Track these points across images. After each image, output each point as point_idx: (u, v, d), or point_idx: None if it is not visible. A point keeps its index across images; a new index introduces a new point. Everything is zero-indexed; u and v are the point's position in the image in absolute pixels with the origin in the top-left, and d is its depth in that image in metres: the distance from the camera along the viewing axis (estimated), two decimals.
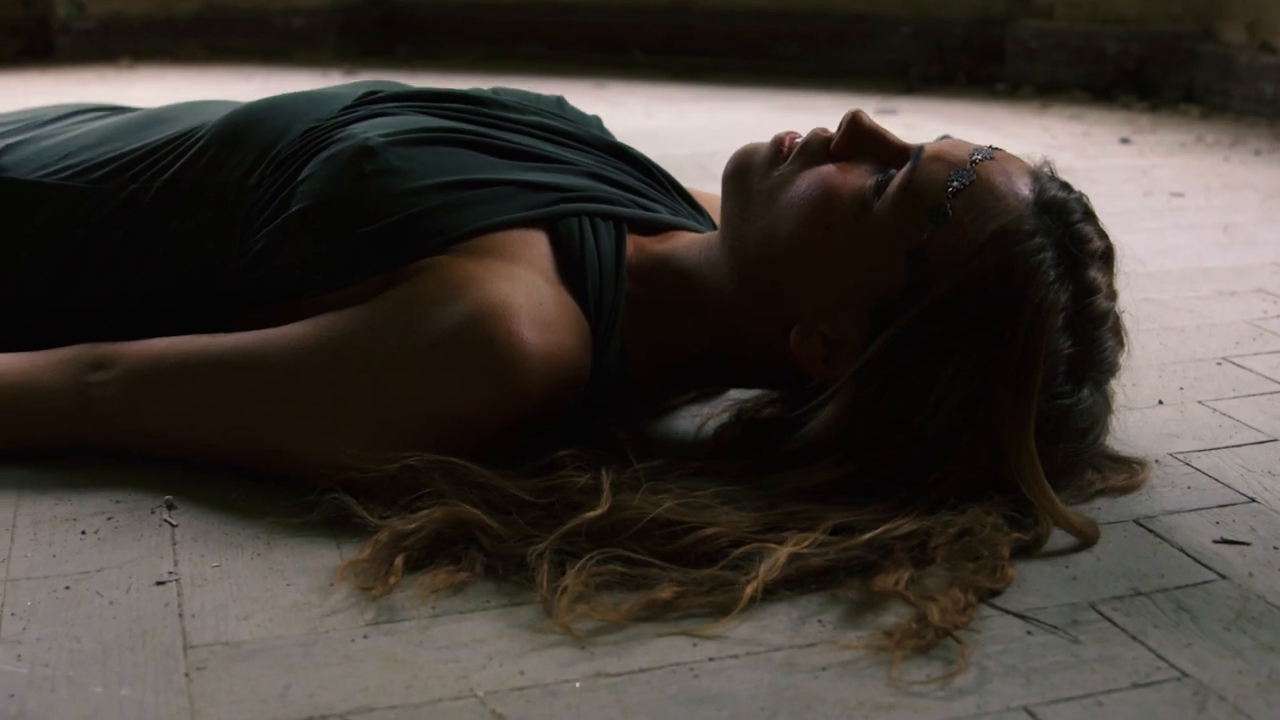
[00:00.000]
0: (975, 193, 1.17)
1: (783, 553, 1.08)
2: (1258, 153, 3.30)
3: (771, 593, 1.07)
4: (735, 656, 1.00)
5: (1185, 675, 0.98)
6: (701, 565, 1.09)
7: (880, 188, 1.20)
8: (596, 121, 1.57)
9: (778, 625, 1.05)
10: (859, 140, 1.24)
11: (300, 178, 1.32)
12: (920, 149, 1.21)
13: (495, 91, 1.52)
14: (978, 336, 1.15)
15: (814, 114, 3.38)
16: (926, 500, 1.15)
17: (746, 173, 1.28)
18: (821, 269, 1.21)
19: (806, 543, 1.10)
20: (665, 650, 1.01)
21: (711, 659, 1.00)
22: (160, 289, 1.37)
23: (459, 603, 1.07)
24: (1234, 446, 1.42)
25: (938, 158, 1.20)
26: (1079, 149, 3.30)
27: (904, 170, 1.19)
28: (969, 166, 1.18)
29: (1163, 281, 2.06)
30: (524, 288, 1.23)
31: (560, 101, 1.56)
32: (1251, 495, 1.29)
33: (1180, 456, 1.39)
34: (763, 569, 1.07)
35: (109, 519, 1.20)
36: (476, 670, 0.98)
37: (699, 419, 1.41)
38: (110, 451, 1.29)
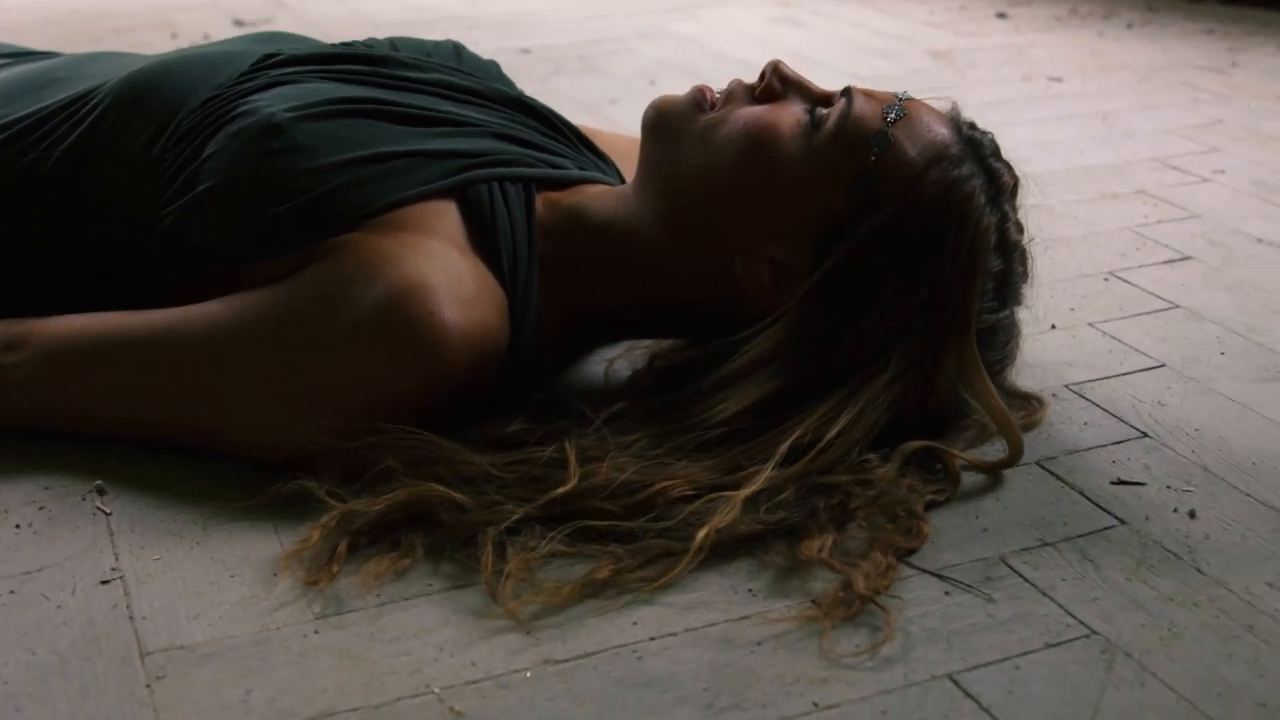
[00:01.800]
0: (910, 124, 1.27)
1: (738, 498, 1.14)
2: (1130, 25, 3.37)
3: (718, 549, 1.12)
4: (674, 634, 1.05)
5: (1094, 632, 1.06)
6: (663, 521, 1.13)
7: (816, 122, 1.27)
8: (495, 68, 1.58)
9: (711, 597, 1.10)
10: (784, 86, 1.32)
11: (205, 154, 1.31)
12: (850, 88, 1.30)
13: (393, 45, 1.52)
14: (923, 253, 1.24)
15: None
16: (861, 398, 1.23)
17: (672, 118, 1.32)
18: (765, 200, 1.27)
19: (760, 480, 1.15)
20: (608, 631, 1.06)
21: (652, 638, 1.05)
22: (81, 251, 1.37)
23: (402, 588, 1.10)
24: (1125, 375, 1.49)
25: (867, 96, 1.29)
26: (956, 26, 3.33)
27: (841, 104, 1.28)
28: (898, 103, 1.28)
29: (1046, 184, 2.11)
30: (440, 264, 1.24)
31: (457, 50, 1.56)
32: (1144, 429, 1.37)
33: (1075, 388, 1.45)
34: (715, 518, 1.12)
35: (40, 509, 1.21)
36: (429, 663, 1.02)
37: (603, 364, 1.45)
38: (28, 430, 1.29)
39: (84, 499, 1.23)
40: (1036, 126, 2.45)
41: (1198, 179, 2.15)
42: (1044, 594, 1.10)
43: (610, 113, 2.50)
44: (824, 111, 1.28)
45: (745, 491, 1.14)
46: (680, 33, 3.25)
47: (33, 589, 1.10)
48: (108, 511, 1.21)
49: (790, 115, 1.28)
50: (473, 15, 3.40)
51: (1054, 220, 1.95)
